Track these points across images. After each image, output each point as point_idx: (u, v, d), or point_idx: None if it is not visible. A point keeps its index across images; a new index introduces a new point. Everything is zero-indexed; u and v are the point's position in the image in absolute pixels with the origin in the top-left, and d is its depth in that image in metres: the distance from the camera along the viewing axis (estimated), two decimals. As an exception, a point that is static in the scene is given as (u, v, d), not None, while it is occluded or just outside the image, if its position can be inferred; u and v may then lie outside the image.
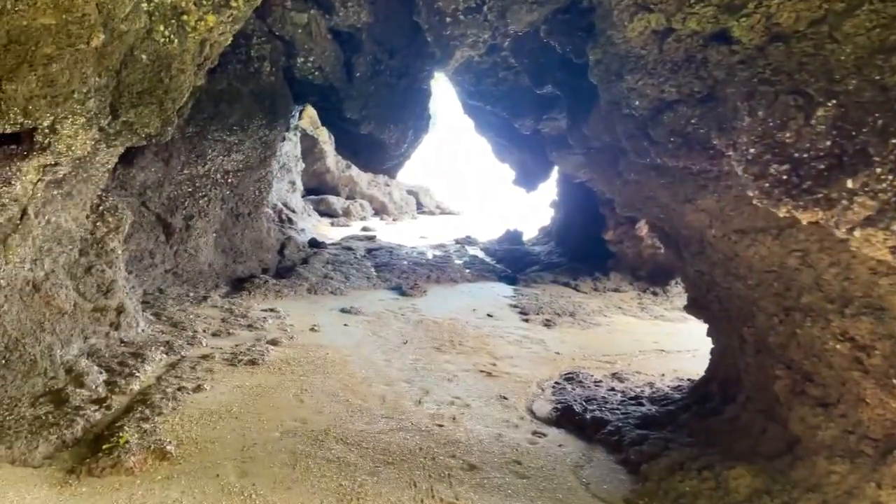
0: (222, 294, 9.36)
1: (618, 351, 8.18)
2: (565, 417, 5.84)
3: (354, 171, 22.99)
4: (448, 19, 6.01)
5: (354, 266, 11.68)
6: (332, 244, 14.01)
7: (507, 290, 11.30)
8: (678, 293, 10.94)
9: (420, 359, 7.38)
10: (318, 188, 21.74)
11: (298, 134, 19.15)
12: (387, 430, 5.36)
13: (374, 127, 11.84)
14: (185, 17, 5.72)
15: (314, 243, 13.20)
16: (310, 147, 20.96)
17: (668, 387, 6.64)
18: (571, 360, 7.73)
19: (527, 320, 9.32)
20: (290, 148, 17.69)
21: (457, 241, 16.84)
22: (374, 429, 5.38)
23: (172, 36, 5.70)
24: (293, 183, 18.37)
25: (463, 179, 34.67)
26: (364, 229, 18.49)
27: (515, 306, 10.06)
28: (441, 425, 5.56)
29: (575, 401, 6.14)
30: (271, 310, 8.83)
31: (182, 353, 6.84)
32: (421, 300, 10.24)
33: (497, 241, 16.04)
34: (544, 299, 10.47)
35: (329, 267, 11.34)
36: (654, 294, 10.96)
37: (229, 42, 6.86)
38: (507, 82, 9.95)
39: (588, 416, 5.74)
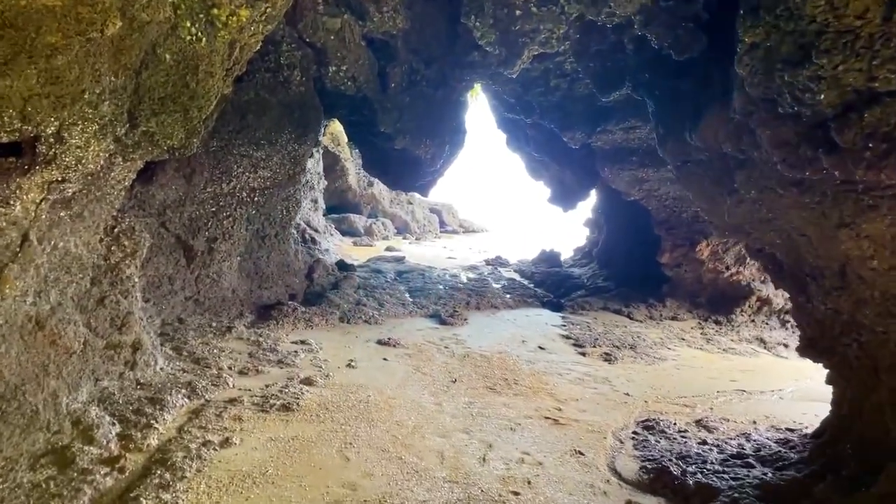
0: (248, 323, 8.52)
1: (694, 391, 7.24)
2: (660, 481, 4.91)
3: (377, 188, 22.32)
4: (518, 12, 5.18)
5: (387, 291, 10.81)
6: (360, 266, 13.18)
7: (553, 317, 10.38)
8: (743, 322, 9.99)
9: (474, 401, 6.48)
10: (338, 206, 21.02)
11: (321, 150, 18.46)
12: (454, 502, 4.45)
13: (408, 141, 11.04)
14: (215, 12, 4.94)
15: (343, 266, 12.36)
16: (331, 164, 20.28)
17: (772, 440, 5.69)
18: (644, 404, 6.80)
19: (584, 354, 8.39)
20: (312, 165, 16.95)
21: (487, 262, 16.01)
22: (438, 498, 4.47)
23: (200, 34, 4.93)
24: (315, 201, 17.63)
25: (485, 197, 33.96)
26: (389, 249, 17.73)
27: (568, 337, 9.14)
28: (517, 493, 4.64)
29: (668, 459, 5.20)
30: (302, 342, 7.97)
31: (206, 395, 5.98)
32: (463, 329, 9.35)
33: (532, 263, 15.16)
34: (598, 329, 9.54)
35: (361, 292, 10.48)
36: (717, 323, 10.00)
37: (258, 47, 6.11)
38: (559, 91, 9.11)
39: (690, 480, 4.81)
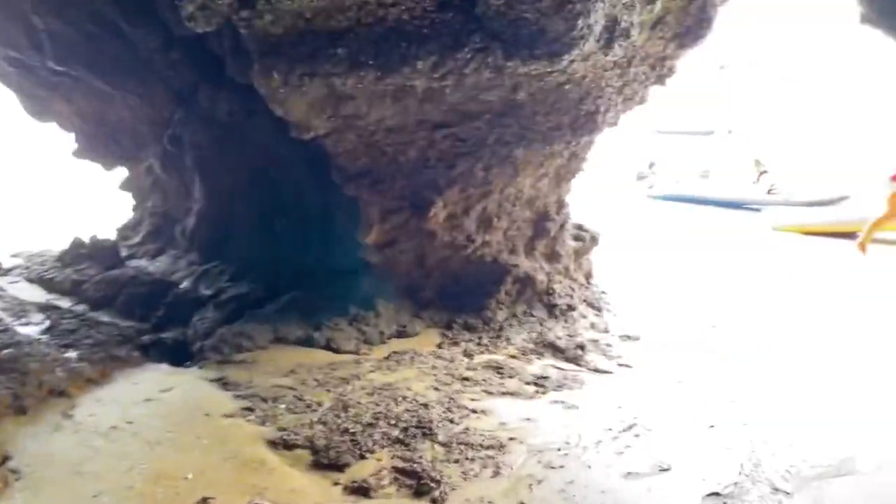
0: None
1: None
2: None
3: None
4: None
5: None
6: None
7: (209, 393, 4.92)
8: (506, 320, 6.42)
9: None
10: None
11: None
12: None
13: None
14: None
15: None
16: None
17: None
18: None
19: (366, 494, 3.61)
20: None
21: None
22: None
23: None
24: None
25: None
26: None
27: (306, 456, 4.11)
28: None
29: None
30: None
31: None
32: None
33: (63, 264, 8.64)
34: (316, 401, 4.72)
35: None
36: (469, 329, 6.17)
37: None
38: None
39: None
